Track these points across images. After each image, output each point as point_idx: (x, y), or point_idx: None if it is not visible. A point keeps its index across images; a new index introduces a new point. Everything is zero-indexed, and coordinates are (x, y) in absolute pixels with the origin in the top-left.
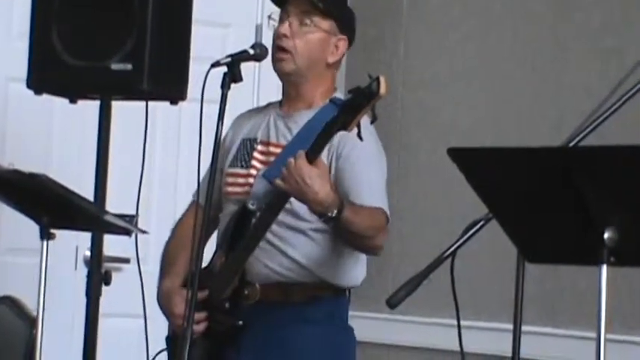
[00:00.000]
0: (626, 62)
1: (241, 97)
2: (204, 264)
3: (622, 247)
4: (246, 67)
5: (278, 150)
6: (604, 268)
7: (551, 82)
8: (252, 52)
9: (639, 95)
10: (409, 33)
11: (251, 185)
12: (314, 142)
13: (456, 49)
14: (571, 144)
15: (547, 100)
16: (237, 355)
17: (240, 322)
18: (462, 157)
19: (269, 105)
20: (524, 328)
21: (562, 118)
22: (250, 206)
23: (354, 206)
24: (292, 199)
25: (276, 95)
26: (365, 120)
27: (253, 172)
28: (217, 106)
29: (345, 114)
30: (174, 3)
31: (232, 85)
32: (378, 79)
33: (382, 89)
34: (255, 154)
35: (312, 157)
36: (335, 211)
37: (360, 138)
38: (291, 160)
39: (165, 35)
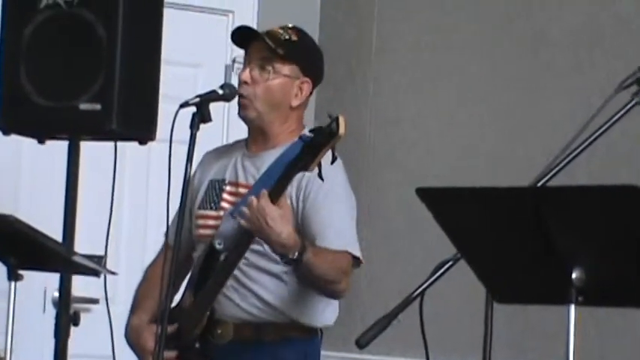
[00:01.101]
0: (593, 101)
1: (210, 137)
2: (174, 303)
3: (590, 287)
4: (215, 107)
5: (246, 190)
6: (572, 307)
7: (519, 121)
8: (221, 92)
9: (607, 135)
10: (379, 71)
11: None
12: (275, 182)
13: (424, 88)
14: (539, 183)
15: (516, 140)
16: None
17: None
18: (430, 196)
19: (236, 143)
20: None
21: (531, 158)
22: (217, 245)
23: (316, 249)
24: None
25: (245, 135)
26: (326, 160)
27: (223, 213)
28: (186, 146)
29: (305, 154)
30: (143, 43)
31: (201, 126)
32: (337, 119)
33: (341, 129)
34: (225, 195)
35: (274, 197)
36: (296, 254)
37: (321, 178)
38: (253, 198)
39: (134, 75)
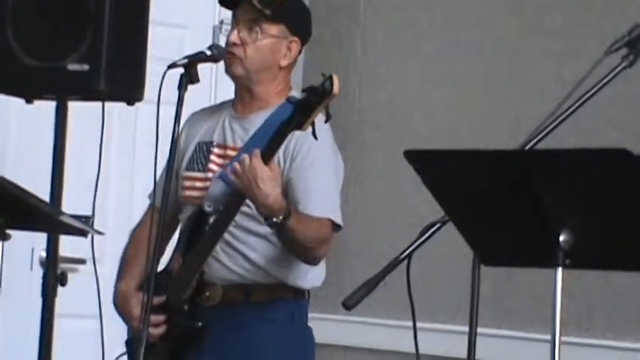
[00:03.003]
0: (582, 64)
1: (198, 99)
2: (162, 266)
3: (577, 250)
4: (203, 69)
5: (235, 152)
6: (559, 270)
7: (507, 83)
8: (208, 53)
9: (596, 98)
10: (366, 33)
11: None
12: (269, 141)
13: (412, 50)
14: (527, 147)
15: (504, 102)
16: (198, 357)
17: (200, 324)
18: (418, 159)
19: (222, 104)
20: (479, 330)
21: (519, 121)
22: (207, 208)
23: (300, 215)
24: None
25: (234, 95)
26: (320, 119)
27: (211, 175)
28: (174, 108)
29: (299, 113)
30: (131, 3)
31: (189, 87)
32: (331, 77)
33: (335, 87)
34: (212, 157)
35: (267, 156)
36: (281, 217)
37: (315, 137)
38: (246, 156)
39: (122, 36)
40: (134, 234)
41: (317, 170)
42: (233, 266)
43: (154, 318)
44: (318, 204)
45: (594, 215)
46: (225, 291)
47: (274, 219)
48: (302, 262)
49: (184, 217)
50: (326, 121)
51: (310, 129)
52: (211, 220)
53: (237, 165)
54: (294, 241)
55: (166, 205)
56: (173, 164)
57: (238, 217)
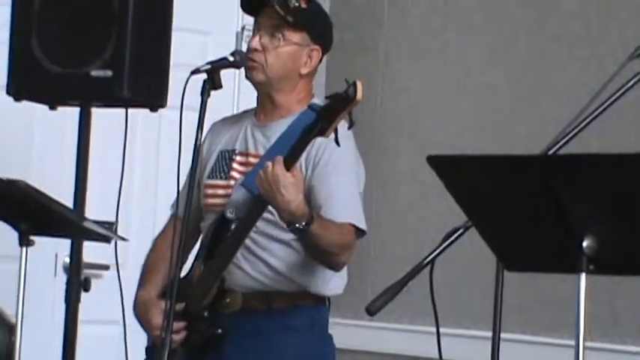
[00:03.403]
0: (606, 69)
1: (221, 105)
2: (183, 273)
3: (601, 256)
4: (225, 74)
5: (257, 160)
6: (583, 276)
7: (531, 89)
8: (231, 59)
9: (619, 102)
10: (389, 39)
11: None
12: (292, 147)
13: (436, 57)
14: (551, 152)
15: (527, 108)
16: None
17: (220, 331)
18: (442, 164)
19: (244, 113)
20: (503, 335)
21: (543, 126)
22: (229, 214)
23: (323, 221)
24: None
25: (256, 103)
26: (342, 126)
27: (233, 182)
28: (197, 114)
29: (322, 120)
30: (154, 10)
31: (212, 93)
32: (354, 83)
33: (359, 94)
34: (235, 165)
35: (290, 162)
36: (303, 223)
37: (338, 143)
38: (269, 163)
39: (145, 42)
40: (156, 242)
41: (339, 176)
42: (254, 273)
43: (175, 325)
44: (341, 209)
45: (618, 220)
46: (246, 298)
47: (297, 225)
48: (325, 269)
49: (206, 225)
50: (349, 128)
51: (333, 135)
52: (233, 226)
53: (260, 172)
54: (317, 246)
55: (189, 214)
56: (195, 173)
57: (260, 224)
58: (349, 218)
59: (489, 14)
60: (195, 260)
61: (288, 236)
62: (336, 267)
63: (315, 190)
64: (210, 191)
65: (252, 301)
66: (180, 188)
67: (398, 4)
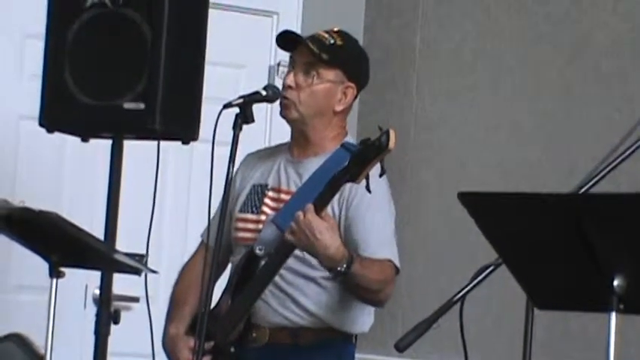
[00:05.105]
0: (637, 108)
1: (253, 139)
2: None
3: (631, 295)
4: (258, 109)
5: (288, 197)
6: (613, 315)
7: (562, 128)
8: (264, 93)
9: None
10: (421, 75)
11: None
12: (322, 193)
13: (467, 94)
14: (582, 191)
15: (559, 147)
16: None
17: None
18: (472, 201)
19: (278, 147)
20: None
21: (573, 165)
22: (258, 251)
23: (362, 260)
24: None
25: (288, 137)
26: (374, 174)
27: (264, 217)
28: (229, 147)
29: (353, 166)
30: (187, 43)
31: (244, 126)
32: (387, 132)
33: (391, 143)
34: (266, 200)
35: (320, 208)
36: (344, 266)
37: (369, 190)
38: (300, 213)
39: (178, 75)
40: (183, 272)
41: (375, 213)
42: (281, 309)
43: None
44: (379, 246)
45: None
46: (272, 333)
47: (338, 268)
48: (352, 307)
49: (235, 259)
50: (380, 176)
51: (364, 182)
52: (262, 263)
53: (293, 224)
54: (359, 286)
55: (220, 245)
56: (227, 205)
57: (289, 260)
58: (387, 254)
59: (520, 52)
60: (222, 294)
61: (317, 273)
62: (379, 303)
63: (352, 228)
64: (240, 225)
65: (279, 336)
66: (211, 221)
67: (430, 41)
